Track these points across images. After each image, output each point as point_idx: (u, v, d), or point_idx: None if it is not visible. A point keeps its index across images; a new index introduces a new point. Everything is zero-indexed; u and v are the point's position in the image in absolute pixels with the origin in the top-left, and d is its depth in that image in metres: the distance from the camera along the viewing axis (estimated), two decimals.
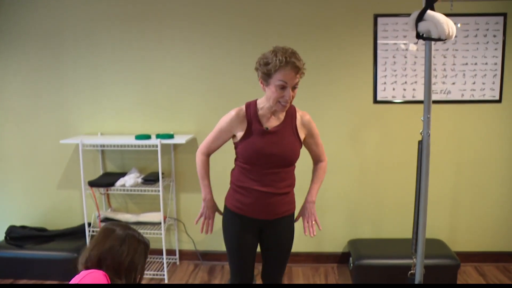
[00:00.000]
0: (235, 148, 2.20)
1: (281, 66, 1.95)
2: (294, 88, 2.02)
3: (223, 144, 2.26)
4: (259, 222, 2.22)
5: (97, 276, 1.55)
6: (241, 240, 2.23)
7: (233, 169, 2.28)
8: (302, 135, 2.21)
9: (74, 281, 1.55)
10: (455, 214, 3.59)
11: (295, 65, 1.96)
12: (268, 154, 2.10)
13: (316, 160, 2.35)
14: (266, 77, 2.02)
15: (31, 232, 3.67)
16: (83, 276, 1.55)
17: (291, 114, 2.18)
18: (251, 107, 2.15)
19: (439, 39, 1.76)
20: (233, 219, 2.24)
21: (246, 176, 2.16)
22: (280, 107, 2.06)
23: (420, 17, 1.78)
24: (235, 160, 2.24)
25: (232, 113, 2.15)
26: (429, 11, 1.75)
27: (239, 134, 2.14)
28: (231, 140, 2.24)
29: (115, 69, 3.59)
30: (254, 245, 2.28)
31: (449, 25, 1.73)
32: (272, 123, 2.14)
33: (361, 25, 3.40)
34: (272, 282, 2.37)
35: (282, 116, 2.16)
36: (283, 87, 1.99)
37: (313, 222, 2.28)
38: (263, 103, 2.13)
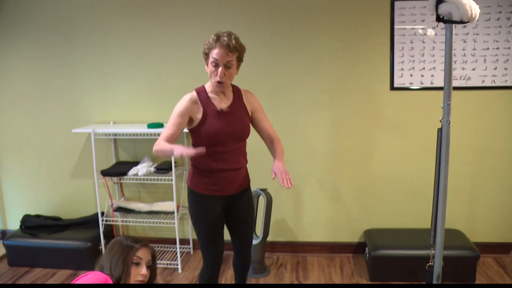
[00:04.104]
0: (193, 133, 2.27)
1: (212, 45, 2.12)
2: (228, 67, 2.14)
3: (181, 132, 2.27)
4: (224, 199, 2.35)
5: (97, 275, 1.76)
6: (212, 219, 2.33)
7: None
8: (249, 111, 2.36)
9: (78, 280, 1.74)
10: (474, 204, 3.49)
11: (225, 43, 2.10)
12: (227, 133, 2.23)
13: (269, 139, 2.39)
14: (205, 56, 2.19)
15: (46, 221, 3.69)
16: (86, 274, 1.77)
17: (237, 92, 2.34)
18: (201, 92, 2.27)
19: (461, 22, 1.69)
20: (201, 200, 2.32)
21: (208, 158, 2.24)
22: (216, 84, 2.19)
23: None
24: (193, 146, 2.28)
25: (187, 97, 2.25)
26: None
27: (197, 118, 2.22)
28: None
29: (126, 57, 3.56)
30: (223, 222, 2.42)
31: (472, 7, 1.66)
32: (223, 104, 2.27)
33: (377, 10, 3.29)
34: (244, 253, 2.54)
35: (230, 96, 2.30)
36: (216, 65, 2.14)
37: (288, 176, 2.19)
38: (211, 86, 2.26)
